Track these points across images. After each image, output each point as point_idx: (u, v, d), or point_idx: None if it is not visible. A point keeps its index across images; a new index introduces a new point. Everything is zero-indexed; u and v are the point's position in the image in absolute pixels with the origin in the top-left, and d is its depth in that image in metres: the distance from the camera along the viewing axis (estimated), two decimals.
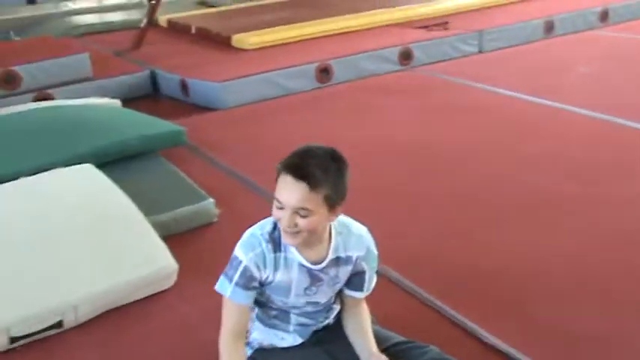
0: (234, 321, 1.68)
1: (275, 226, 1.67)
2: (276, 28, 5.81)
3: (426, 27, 5.98)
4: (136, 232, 2.53)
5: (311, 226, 1.58)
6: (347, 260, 1.73)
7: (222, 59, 5.29)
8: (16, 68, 4.62)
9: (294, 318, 1.80)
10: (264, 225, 1.69)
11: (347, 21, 5.98)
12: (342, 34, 5.77)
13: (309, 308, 1.78)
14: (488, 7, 6.62)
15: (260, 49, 5.47)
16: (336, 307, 1.87)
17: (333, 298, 1.84)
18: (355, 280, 1.79)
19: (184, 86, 4.84)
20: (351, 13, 6.23)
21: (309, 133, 3.94)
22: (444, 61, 5.49)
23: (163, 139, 3.45)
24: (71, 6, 7.74)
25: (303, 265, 1.68)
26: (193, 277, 2.45)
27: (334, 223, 1.70)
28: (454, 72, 5.12)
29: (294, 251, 1.67)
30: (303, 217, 1.56)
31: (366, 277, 1.79)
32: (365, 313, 1.83)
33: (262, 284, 1.69)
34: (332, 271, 1.72)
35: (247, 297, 1.67)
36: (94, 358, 2.13)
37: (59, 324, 2.21)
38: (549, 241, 2.64)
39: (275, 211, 1.60)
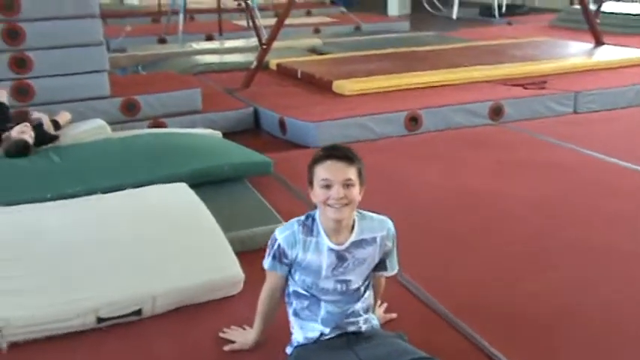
0: (270, 285, 2.18)
1: (308, 217, 2.09)
2: (375, 77, 6.15)
3: (522, 85, 6.12)
4: (213, 243, 2.89)
5: (354, 196, 2.01)
6: (371, 241, 2.10)
7: (320, 102, 5.67)
8: (136, 97, 5.21)
9: (323, 306, 2.11)
10: (300, 217, 2.11)
11: (444, 75, 6.23)
12: (438, 86, 6.02)
13: (339, 288, 2.09)
14: (587, 70, 6.67)
15: (357, 95, 5.82)
16: (367, 301, 2.17)
17: (362, 285, 2.14)
18: (384, 261, 2.18)
19: (282, 124, 5.25)
20: (450, 68, 6.49)
21: (391, 175, 4.21)
22: (536, 119, 5.60)
23: (251, 167, 3.84)
24: (195, 47, 8.50)
25: (331, 248, 2.06)
26: (256, 287, 2.73)
27: (356, 213, 2.09)
28: (543, 130, 5.23)
29: (324, 236, 2.05)
30: (349, 186, 1.98)
31: (393, 255, 2.19)
32: (381, 287, 2.32)
33: (293, 262, 2.09)
34: (357, 253, 2.09)
35: (280, 269, 2.11)
36: (165, 345, 2.44)
37: (139, 312, 2.57)
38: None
39: (321, 192, 2.00)
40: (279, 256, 2.10)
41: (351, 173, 2.00)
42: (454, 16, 6.71)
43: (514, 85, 6.11)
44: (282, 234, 2.10)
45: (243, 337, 2.37)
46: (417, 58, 7.14)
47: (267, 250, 2.14)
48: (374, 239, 2.12)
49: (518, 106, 5.63)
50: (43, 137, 4.07)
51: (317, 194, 2.03)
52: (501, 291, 2.80)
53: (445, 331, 2.52)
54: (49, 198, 3.30)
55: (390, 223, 2.18)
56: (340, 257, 2.08)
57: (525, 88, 6.00)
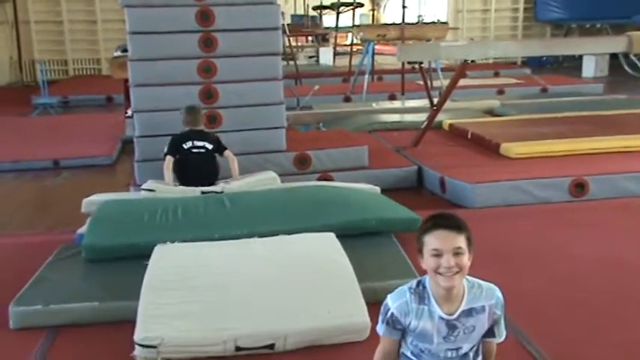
0: (383, 349, 2.23)
1: (418, 283, 2.15)
2: (545, 141, 6.07)
3: None
4: (346, 290, 3.12)
5: (464, 263, 2.04)
6: (481, 310, 2.13)
7: (485, 164, 5.72)
8: (309, 152, 5.67)
9: None
10: (411, 283, 2.18)
11: (618, 141, 5.97)
12: (612, 152, 5.78)
13: (450, 355, 2.16)
14: None
15: (525, 158, 5.77)
16: None
17: (473, 350, 2.19)
18: (492, 328, 2.19)
19: (442, 183, 5.39)
20: (631, 134, 6.19)
21: (542, 242, 4.16)
22: None
23: (399, 223, 4.03)
24: (374, 106, 8.95)
25: (442, 317, 2.11)
26: None
27: (465, 281, 2.13)
28: None
29: (435, 305, 2.11)
30: (459, 254, 2.03)
31: (500, 323, 2.19)
32: (493, 354, 2.26)
33: (406, 329, 2.16)
34: (467, 321, 2.12)
35: (393, 334, 2.18)
36: None
37: (272, 346, 2.86)
38: None
39: (432, 261, 2.05)
40: (392, 322, 2.15)
41: (461, 241, 2.04)
42: None
43: None
44: (395, 303, 2.15)
45: None
46: (596, 123, 6.89)
47: (380, 317, 2.22)
48: (483, 308, 2.14)
49: None
50: None
51: (427, 263, 2.08)
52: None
53: None
54: (216, 238, 3.77)
55: (498, 292, 2.18)
56: (451, 326, 2.13)
57: None
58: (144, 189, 4.64)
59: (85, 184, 6.06)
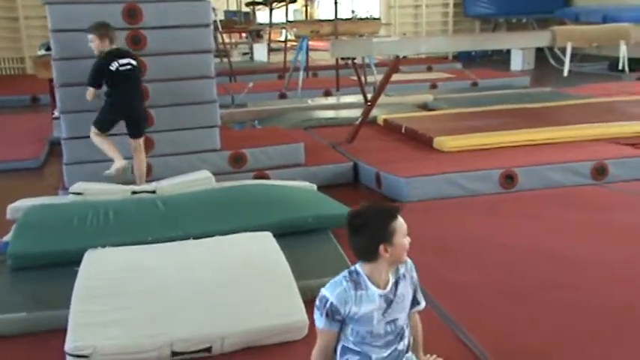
0: (322, 344, 2.26)
1: (351, 272, 2.22)
2: (477, 134, 6.20)
3: (633, 144, 5.92)
4: (283, 290, 3.10)
5: None
6: (403, 277, 2.27)
7: (418, 158, 5.80)
8: (244, 151, 5.62)
9: (374, 357, 2.23)
10: (344, 273, 2.24)
11: (548, 132, 6.16)
12: (542, 144, 5.96)
13: (389, 329, 2.23)
14: None
15: (457, 152, 5.88)
16: (408, 339, 2.31)
17: (406, 322, 2.29)
18: (415, 296, 2.34)
19: (378, 178, 5.43)
20: (557, 126, 6.40)
21: (474, 234, 4.25)
22: None
23: (335, 219, 4.03)
24: (309, 102, 8.94)
25: (380, 295, 2.20)
26: None
27: None
28: None
29: (372, 286, 2.19)
30: None
31: (418, 288, 2.34)
32: (419, 326, 2.43)
33: (345, 318, 2.19)
34: (398, 291, 2.24)
35: (332, 326, 2.22)
36: None
37: (209, 349, 2.81)
38: None
39: (405, 242, 2.18)
40: (332, 313, 2.19)
41: None
42: (565, 73, 6.60)
43: (625, 144, 5.91)
44: (333, 293, 2.19)
45: None
46: (525, 116, 7.09)
47: (318, 311, 2.23)
48: (404, 275, 2.28)
49: (625, 166, 5.44)
50: None
51: (401, 245, 2.17)
52: (562, 356, 2.77)
53: None
54: (150, 241, 3.69)
55: (408, 259, 2.30)
56: (388, 300, 2.22)
57: (636, 148, 5.79)
58: (72, 192, 4.50)
59: (10, 189, 5.81)
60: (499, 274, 3.63)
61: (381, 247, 2.15)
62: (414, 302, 2.34)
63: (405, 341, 2.30)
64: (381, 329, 2.22)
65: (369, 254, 2.18)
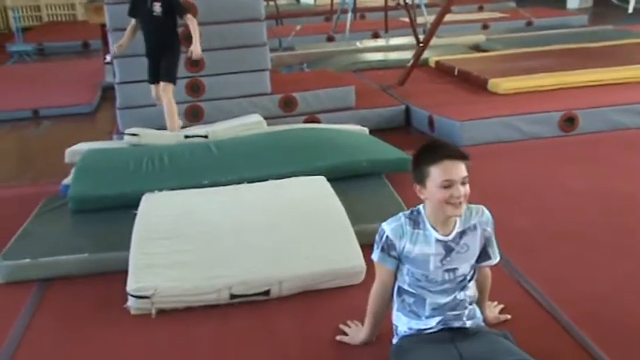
0: (381, 279, 2.27)
1: (412, 211, 2.18)
2: (532, 75, 5.98)
3: None
4: (340, 234, 3.08)
5: (469, 191, 2.08)
6: (473, 228, 2.18)
7: (473, 101, 5.64)
8: (294, 94, 5.56)
9: (428, 303, 2.19)
10: (404, 212, 2.22)
11: (608, 73, 5.90)
12: (602, 85, 5.72)
13: (447, 277, 2.18)
14: None
15: (513, 94, 5.70)
16: (471, 291, 2.24)
17: (468, 274, 2.21)
18: (487, 249, 2.23)
19: (431, 122, 5.32)
20: (616, 66, 6.12)
21: (533, 178, 4.13)
22: None
23: (390, 164, 3.97)
24: (358, 45, 8.76)
25: (439, 239, 2.14)
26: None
27: None
28: None
29: (430, 228, 2.14)
30: (465, 184, 2.07)
31: (493, 242, 2.24)
32: (488, 280, 2.36)
33: (400, 255, 2.17)
34: (462, 241, 2.16)
35: (390, 263, 2.21)
36: (286, 325, 2.66)
37: (267, 292, 2.82)
38: None
39: (441, 193, 2.06)
40: (387, 248, 2.20)
41: (466, 170, 2.07)
42: (630, 10, 6.25)
43: None
44: (390, 226, 2.20)
45: (355, 332, 2.48)
46: (584, 56, 6.80)
47: (375, 244, 2.24)
48: (475, 226, 2.19)
49: None
50: None
51: (434, 194, 2.07)
52: (628, 302, 2.69)
53: (559, 337, 2.49)
54: (205, 185, 3.71)
55: (486, 210, 2.23)
56: (447, 248, 2.16)
57: None
58: (127, 133, 4.54)
59: (66, 133, 5.93)
60: (560, 218, 3.54)
61: (416, 187, 2.13)
62: (485, 256, 2.26)
63: (468, 292, 2.24)
64: (439, 276, 2.18)
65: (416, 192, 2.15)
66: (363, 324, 2.46)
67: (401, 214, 2.22)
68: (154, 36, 4.76)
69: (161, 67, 4.79)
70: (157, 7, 4.68)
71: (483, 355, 2.09)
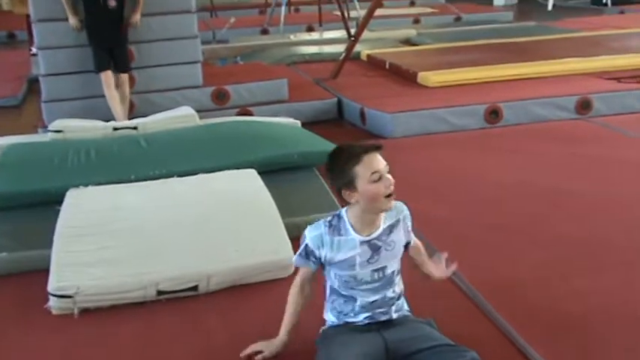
0: (300, 277, 2.29)
1: (334, 216, 2.17)
2: (461, 69, 6.13)
3: (617, 78, 5.90)
4: (269, 227, 3.08)
5: (393, 180, 2.09)
6: (397, 224, 2.20)
7: (403, 93, 5.74)
8: (227, 87, 5.52)
9: (359, 301, 2.21)
10: (328, 217, 2.21)
11: (532, 67, 6.11)
12: (526, 79, 5.91)
13: (376, 276, 2.19)
14: None
15: (441, 87, 5.83)
16: (399, 287, 2.26)
17: (396, 271, 2.23)
18: (408, 241, 2.29)
19: (362, 114, 5.37)
20: (542, 60, 6.34)
21: (459, 169, 4.24)
22: (628, 114, 5.39)
23: (321, 157, 3.88)
24: (292, 38, 8.77)
25: (363, 241, 2.14)
26: None
27: None
28: (633, 126, 5.03)
29: (352, 232, 2.14)
30: (388, 172, 2.07)
31: (411, 236, 2.30)
32: (419, 248, 2.39)
33: (323, 261, 2.19)
34: (388, 238, 2.18)
35: (307, 264, 2.23)
36: (215, 321, 2.64)
37: (195, 288, 2.79)
38: None
39: (374, 187, 2.05)
40: (307, 254, 2.21)
41: (383, 159, 2.09)
42: (549, 7, 6.48)
43: (609, 79, 5.89)
44: (310, 234, 2.19)
45: (267, 343, 2.33)
46: (509, 50, 7.02)
47: (299, 248, 2.24)
48: (398, 222, 2.21)
49: (608, 101, 5.43)
50: None
51: (367, 191, 2.05)
52: (547, 288, 2.79)
53: (481, 322, 2.57)
54: (132, 179, 3.64)
55: (405, 206, 2.25)
56: (374, 247, 2.16)
57: (620, 82, 5.77)
58: (51, 130, 4.41)
59: None
60: (484, 208, 3.64)
61: (345, 192, 2.09)
62: (408, 244, 2.29)
63: (396, 288, 2.25)
64: (367, 276, 2.18)
65: (340, 198, 2.14)
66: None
67: (321, 221, 2.19)
68: (110, 26, 4.94)
69: (119, 58, 4.99)
70: (112, 2, 4.86)
71: (407, 341, 2.14)
